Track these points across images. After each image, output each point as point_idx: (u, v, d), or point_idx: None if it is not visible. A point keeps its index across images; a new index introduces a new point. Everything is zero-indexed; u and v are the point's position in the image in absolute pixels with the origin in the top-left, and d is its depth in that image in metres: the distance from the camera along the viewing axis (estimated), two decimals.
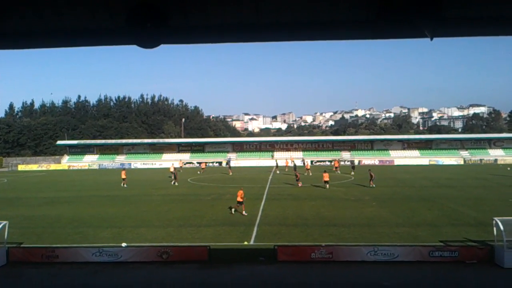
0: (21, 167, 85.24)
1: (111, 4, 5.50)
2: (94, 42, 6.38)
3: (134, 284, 16.17)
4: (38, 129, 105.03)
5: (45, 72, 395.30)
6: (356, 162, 76.67)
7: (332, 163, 67.62)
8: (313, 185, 43.67)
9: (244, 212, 27.89)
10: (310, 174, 55.88)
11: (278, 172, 61.75)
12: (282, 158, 75.20)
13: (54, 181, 57.08)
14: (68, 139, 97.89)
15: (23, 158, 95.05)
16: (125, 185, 46.15)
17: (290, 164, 65.73)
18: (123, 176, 47.20)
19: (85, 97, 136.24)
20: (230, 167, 64.50)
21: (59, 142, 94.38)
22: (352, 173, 57.19)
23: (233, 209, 28.46)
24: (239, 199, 28.14)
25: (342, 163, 74.72)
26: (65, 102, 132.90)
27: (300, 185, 43.04)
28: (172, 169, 55.13)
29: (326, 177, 41.93)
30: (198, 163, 77.77)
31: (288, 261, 17.95)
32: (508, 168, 65.33)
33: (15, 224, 26.56)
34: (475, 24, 5.72)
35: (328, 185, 41.49)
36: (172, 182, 48.30)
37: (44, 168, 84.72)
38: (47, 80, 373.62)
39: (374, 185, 41.64)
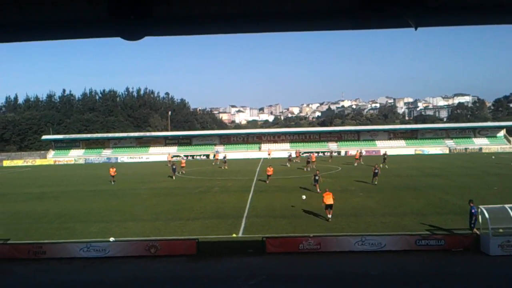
0: (6, 163, 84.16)
1: None
2: (76, 35, 6.27)
3: (123, 279, 16.10)
4: (22, 124, 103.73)
5: (28, 66, 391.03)
6: (342, 153, 77.40)
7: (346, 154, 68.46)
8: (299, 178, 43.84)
9: (329, 215, 23.71)
10: (314, 167, 52.45)
11: (288, 165, 58.72)
12: (292, 150, 76.16)
13: (40, 177, 56.54)
14: (53, 134, 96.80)
15: (8, 153, 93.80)
16: (112, 182, 43.70)
17: (303, 155, 67.82)
18: (112, 174, 44.36)
19: (70, 91, 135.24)
20: (225, 161, 62.83)
21: (44, 137, 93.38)
22: (381, 165, 51.70)
23: (329, 215, 23.83)
24: (329, 201, 23.56)
25: (326, 153, 75.61)
26: (50, 96, 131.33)
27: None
28: (179, 164, 53.78)
29: (269, 171, 40.83)
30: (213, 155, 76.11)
31: (276, 253, 18.04)
32: (493, 157, 66.14)
33: (1, 220, 26.39)
34: (459, 13, 5.73)
35: (268, 180, 40.08)
36: (173, 176, 47.27)
37: (29, 164, 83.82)
38: (31, 74, 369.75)
39: (376, 183, 37.17)
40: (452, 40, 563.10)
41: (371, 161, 58.75)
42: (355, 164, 57.61)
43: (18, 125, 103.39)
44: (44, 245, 18.93)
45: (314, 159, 57.06)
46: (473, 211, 19.01)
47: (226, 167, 59.49)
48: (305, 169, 50.88)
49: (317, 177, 34.35)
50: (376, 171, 37.99)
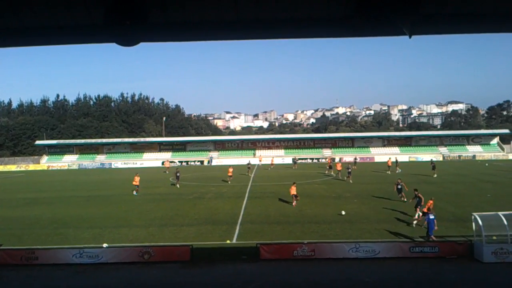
0: None
1: (89, 1, 5.42)
2: (72, 40, 6.29)
3: (116, 285, 16.00)
4: (16, 129, 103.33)
5: (23, 71, 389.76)
6: (337, 160, 77.24)
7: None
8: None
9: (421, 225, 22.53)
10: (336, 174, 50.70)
11: (334, 174, 53.12)
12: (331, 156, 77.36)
13: (33, 182, 56.25)
14: (47, 139, 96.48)
15: (1, 158, 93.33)
16: (135, 192, 38.99)
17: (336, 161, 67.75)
18: (136, 183, 39.31)
19: (64, 96, 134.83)
20: (249, 167, 60.99)
21: (37, 142, 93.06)
22: (435, 175, 49.18)
23: (413, 223, 23.60)
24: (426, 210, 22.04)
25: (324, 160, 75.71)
26: (44, 101, 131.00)
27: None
28: (175, 170, 48.13)
29: (293, 190, 31.16)
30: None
31: (270, 259, 17.98)
32: (486, 164, 66.43)
33: None
34: (453, 21, 5.79)
35: (295, 202, 30.73)
36: (177, 184, 44.47)
37: (23, 169, 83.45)
38: (25, 79, 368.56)
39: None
40: (446, 48, 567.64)
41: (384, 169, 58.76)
42: (388, 172, 55.13)
43: (11, 130, 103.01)
44: (37, 250, 18.79)
45: (339, 168, 51.14)
46: (431, 217, 19.56)
47: (250, 174, 57.07)
48: (350, 180, 44.65)
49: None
50: (400, 186, 32.36)
